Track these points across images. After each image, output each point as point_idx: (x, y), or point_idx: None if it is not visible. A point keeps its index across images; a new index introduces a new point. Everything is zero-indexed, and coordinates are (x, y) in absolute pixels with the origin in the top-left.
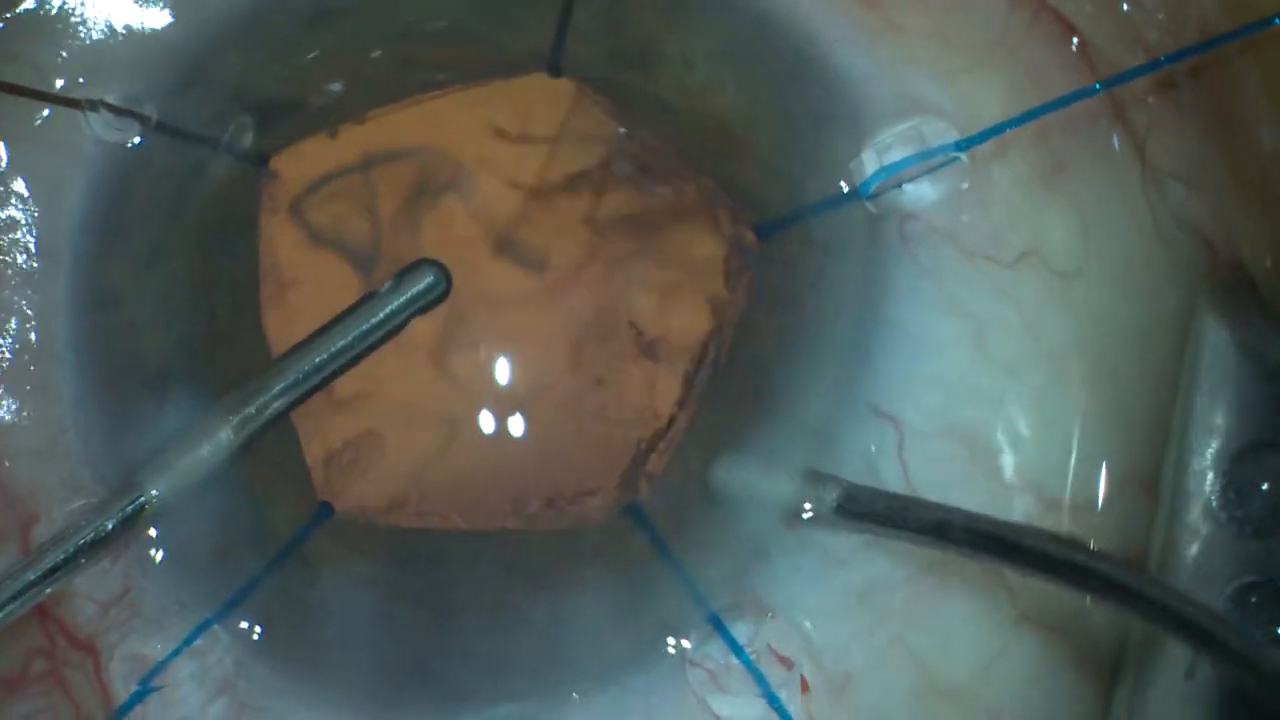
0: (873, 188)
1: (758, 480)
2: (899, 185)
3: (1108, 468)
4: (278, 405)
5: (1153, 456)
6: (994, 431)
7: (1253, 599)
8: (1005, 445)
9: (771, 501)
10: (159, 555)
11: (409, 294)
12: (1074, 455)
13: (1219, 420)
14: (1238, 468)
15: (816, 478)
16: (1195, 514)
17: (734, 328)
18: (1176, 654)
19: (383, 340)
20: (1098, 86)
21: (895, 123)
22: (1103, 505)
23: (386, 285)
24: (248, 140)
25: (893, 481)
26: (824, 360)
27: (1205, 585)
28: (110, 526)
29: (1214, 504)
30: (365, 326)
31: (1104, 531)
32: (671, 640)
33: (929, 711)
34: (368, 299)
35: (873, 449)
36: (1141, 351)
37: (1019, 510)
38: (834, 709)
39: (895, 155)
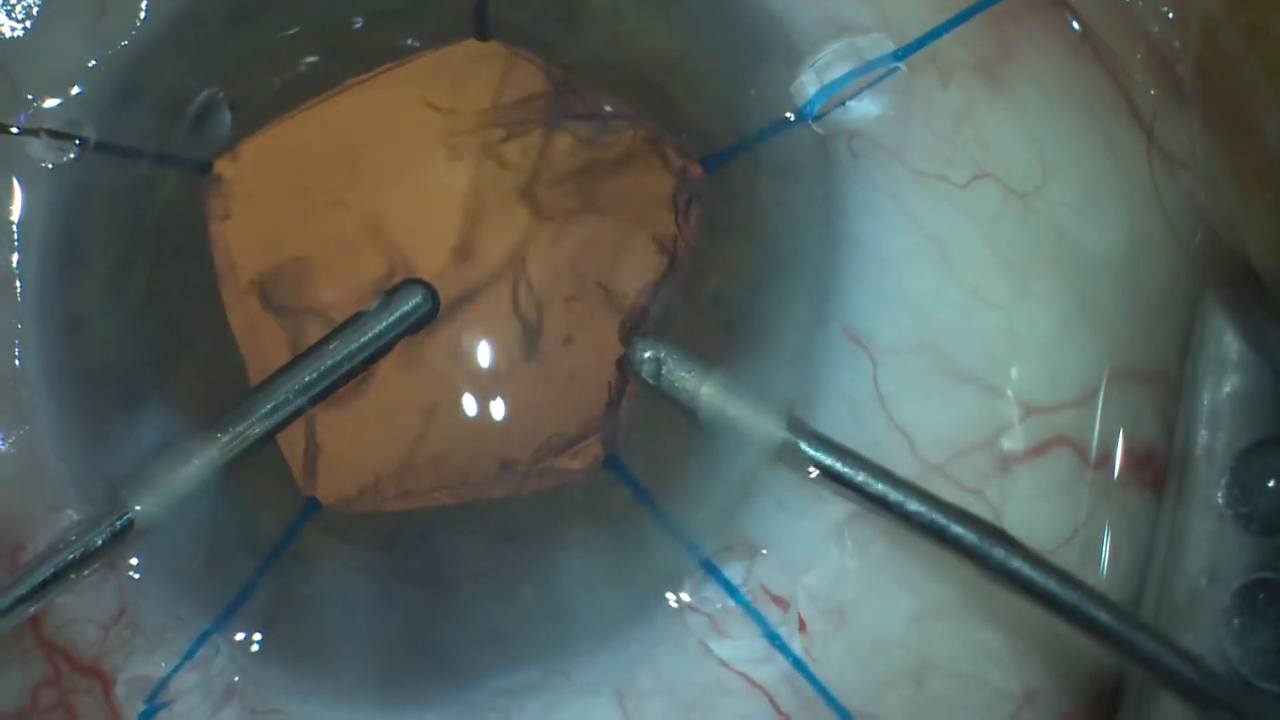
0: (816, 108)
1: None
2: (842, 103)
3: (1084, 368)
4: (267, 423)
5: (1129, 353)
6: (966, 345)
7: (1260, 596)
8: (978, 357)
9: (752, 439)
10: (148, 570)
11: (397, 313)
12: (1049, 359)
13: (1224, 417)
14: (1243, 465)
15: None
16: (1201, 511)
17: (689, 262)
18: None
19: (371, 360)
20: None
21: (829, 42)
22: (1079, 401)
23: (374, 305)
24: (224, 120)
25: (869, 406)
26: (791, 285)
27: (1212, 583)
28: (99, 542)
29: (1220, 501)
30: (353, 346)
31: (1088, 428)
32: (668, 590)
33: (929, 632)
34: (356, 319)
35: (848, 374)
36: (1109, 263)
37: (1001, 416)
38: (832, 642)
39: (835, 73)
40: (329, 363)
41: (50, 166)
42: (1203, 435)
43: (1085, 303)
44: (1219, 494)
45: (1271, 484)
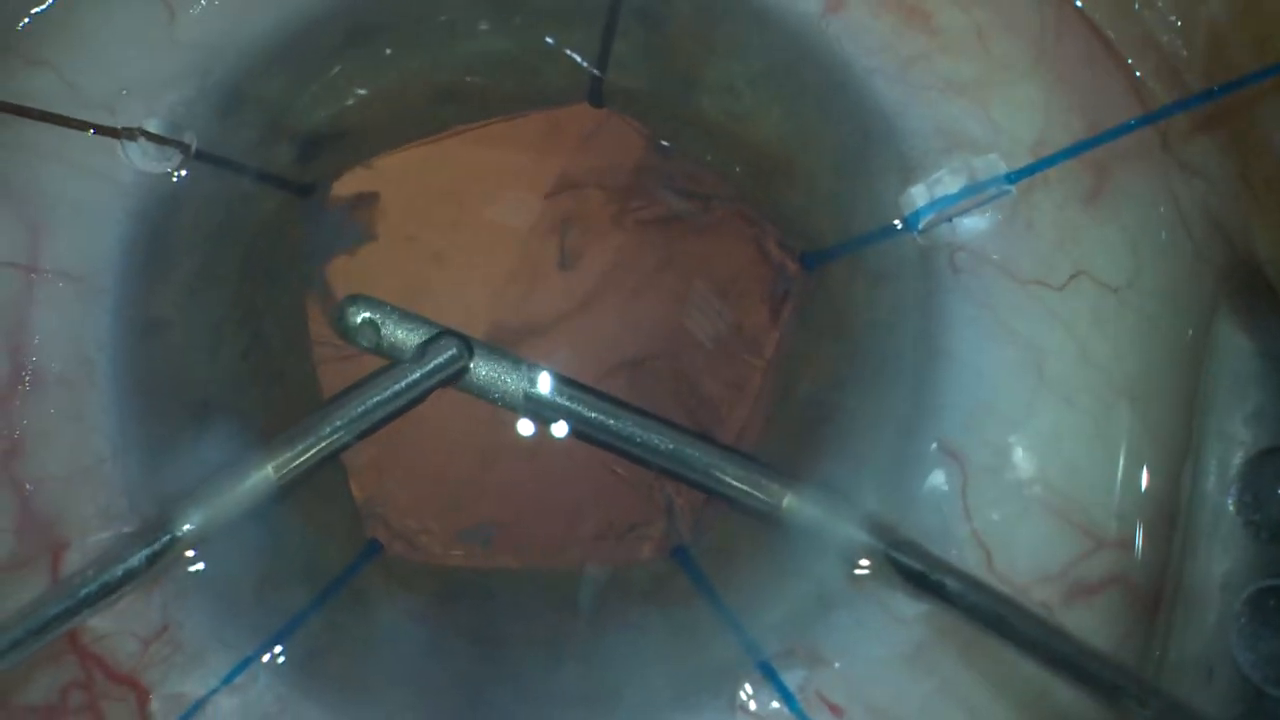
0: (923, 221)
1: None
2: (949, 219)
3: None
4: (308, 459)
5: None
6: (1054, 463)
7: (1270, 603)
8: (1065, 479)
9: (835, 545)
10: (194, 590)
11: (431, 365)
12: (1128, 485)
13: (1236, 424)
14: (1255, 472)
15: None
16: (1212, 519)
17: (782, 359)
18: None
19: (401, 411)
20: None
21: (941, 155)
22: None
23: (410, 354)
24: (330, 142)
25: (956, 522)
26: (882, 391)
27: (1222, 590)
28: (140, 560)
29: (1230, 508)
30: (384, 395)
31: (1148, 570)
32: (720, 687)
33: None
34: (390, 368)
35: (937, 489)
36: (1185, 365)
37: (1077, 547)
38: None
39: (945, 189)
40: (359, 409)
41: (147, 171)
42: (1216, 442)
43: (1163, 405)
44: (1230, 501)
45: None
